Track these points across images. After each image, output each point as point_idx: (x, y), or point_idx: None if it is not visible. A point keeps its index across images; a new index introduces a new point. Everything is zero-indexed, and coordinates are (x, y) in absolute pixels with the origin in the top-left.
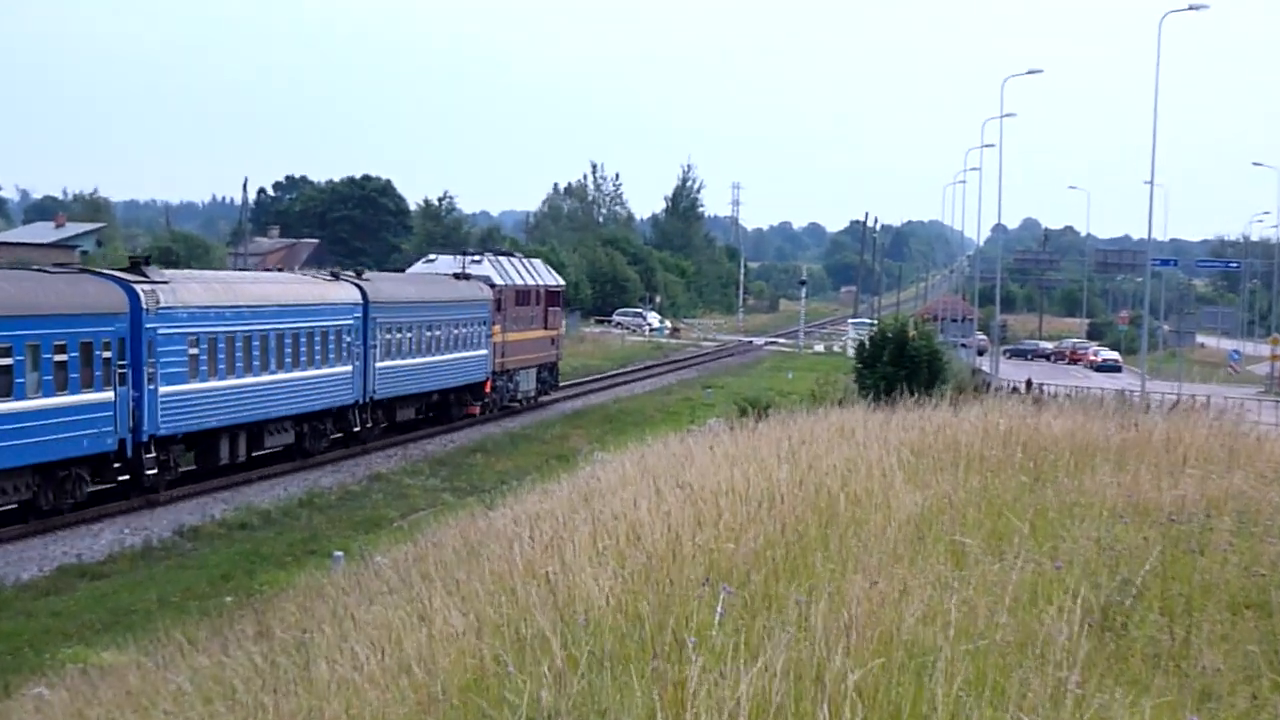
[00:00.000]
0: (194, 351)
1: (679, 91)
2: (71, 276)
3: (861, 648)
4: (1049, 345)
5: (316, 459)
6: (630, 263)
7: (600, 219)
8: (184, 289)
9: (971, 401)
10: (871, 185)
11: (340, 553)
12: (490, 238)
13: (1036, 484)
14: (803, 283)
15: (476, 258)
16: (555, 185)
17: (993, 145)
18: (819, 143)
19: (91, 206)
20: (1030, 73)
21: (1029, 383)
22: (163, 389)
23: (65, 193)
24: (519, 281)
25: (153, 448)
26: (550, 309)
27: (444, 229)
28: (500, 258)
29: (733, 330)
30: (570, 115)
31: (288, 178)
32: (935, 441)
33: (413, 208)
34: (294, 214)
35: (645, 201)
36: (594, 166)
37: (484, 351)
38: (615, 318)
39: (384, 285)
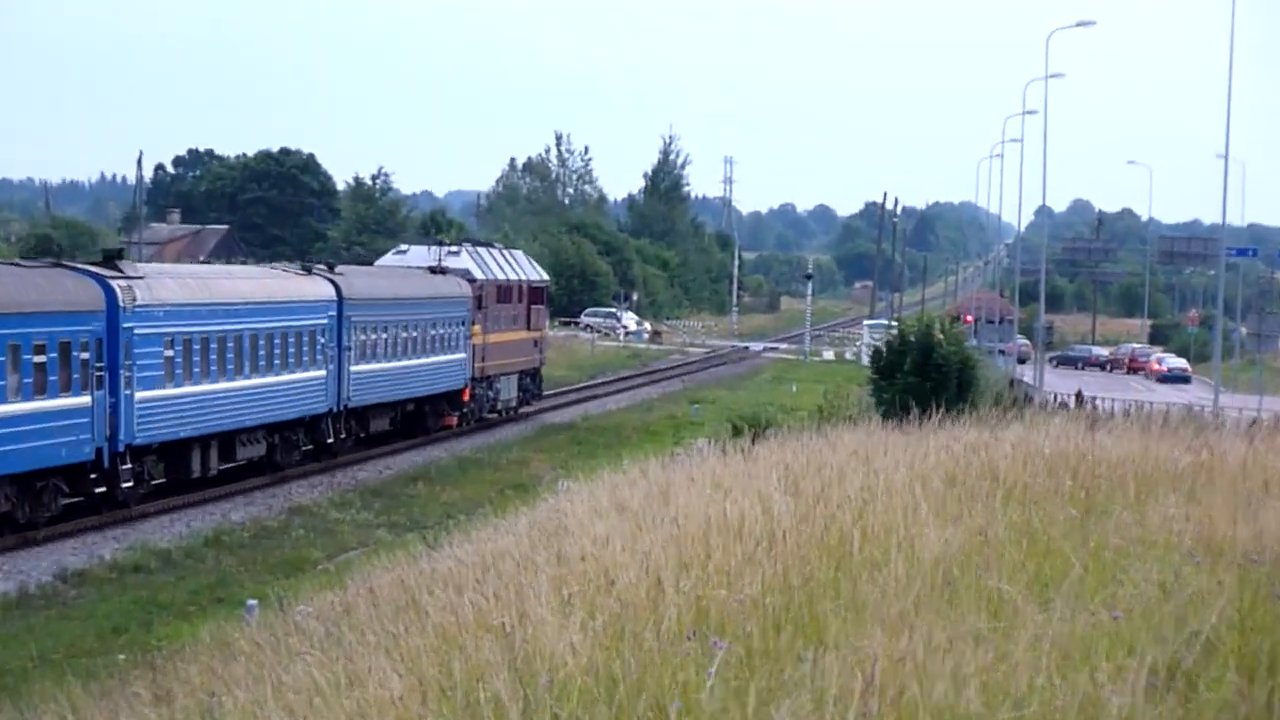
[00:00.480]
0: (169, 354)
1: (658, 49)
2: (46, 271)
3: (881, 714)
4: (1104, 351)
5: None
6: (602, 253)
7: (566, 200)
8: (159, 285)
9: (1011, 419)
10: (891, 160)
11: (254, 601)
12: (434, 222)
13: (1089, 518)
14: (808, 277)
15: (454, 249)
16: (512, 160)
17: (1036, 112)
18: (827, 110)
19: None
20: (1080, 25)
21: (1079, 396)
22: (139, 394)
23: None
24: (500, 276)
25: (128, 458)
26: (533, 307)
27: (378, 212)
28: (479, 249)
29: (725, 334)
30: (529, 78)
31: (191, 152)
32: (968, 467)
33: (340, 187)
34: (198, 195)
35: (620, 180)
36: (558, 138)
37: (462, 355)
38: (584, 319)
39: (358, 280)
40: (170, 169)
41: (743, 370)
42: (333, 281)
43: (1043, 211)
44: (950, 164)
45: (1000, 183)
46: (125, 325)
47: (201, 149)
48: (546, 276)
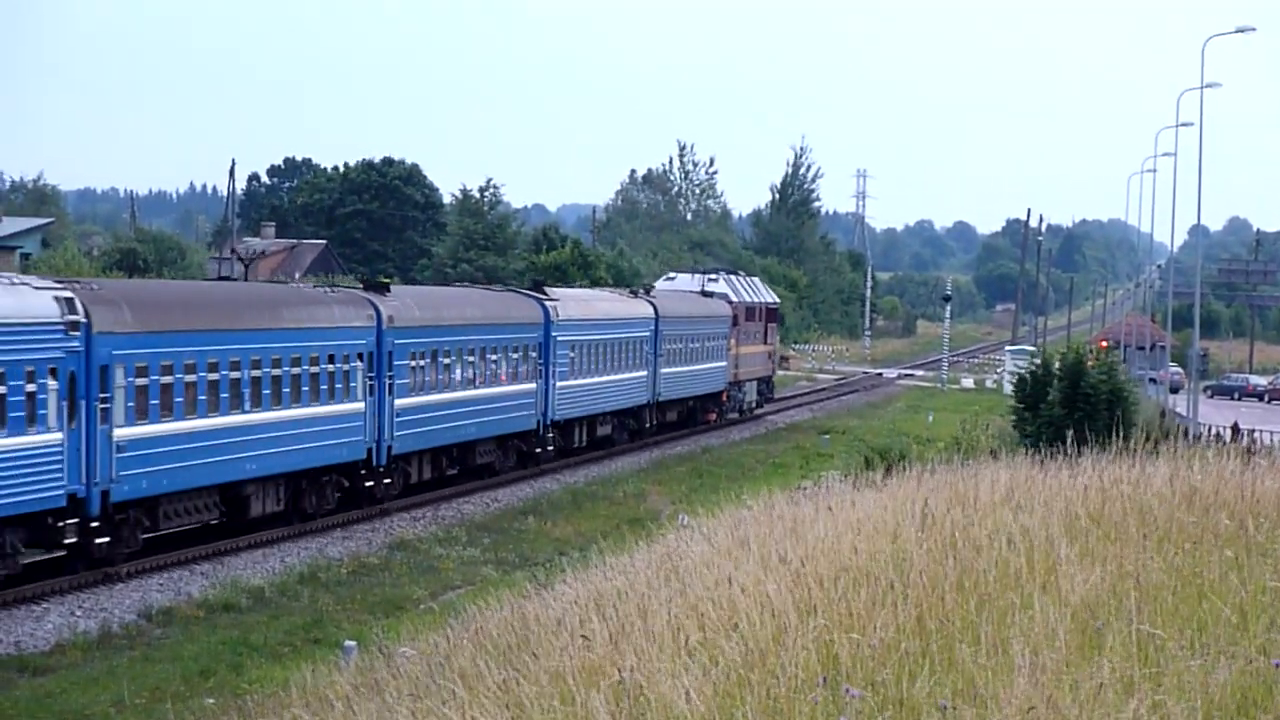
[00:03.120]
0: (572, 355)
1: (788, 55)
2: (504, 294)
3: None
4: (1262, 381)
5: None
6: (726, 272)
7: (688, 216)
8: (568, 304)
9: (1164, 453)
10: (1035, 174)
11: (353, 642)
12: (545, 237)
13: (1248, 559)
14: (947, 299)
15: (713, 275)
16: (632, 173)
17: (1191, 124)
18: (967, 120)
19: (36, 197)
20: (1240, 31)
21: (1236, 428)
22: (558, 384)
23: (2, 179)
24: (748, 298)
25: (549, 428)
26: (769, 325)
27: (486, 228)
28: (731, 276)
29: (857, 359)
30: (651, 84)
31: (287, 161)
32: (1116, 504)
33: (446, 200)
34: (294, 208)
35: (745, 194)
36: (681, 149)
37: (724, 363)
38: None
39: (667, 302)
40: (264, 179)
41: (875, 398)
42: (651, 303)
43: (1197, 230)
44: (1099, 179)
45: (1152, 199)
46: (553, 334)
47: (298, 158)
48: (778, 299)
